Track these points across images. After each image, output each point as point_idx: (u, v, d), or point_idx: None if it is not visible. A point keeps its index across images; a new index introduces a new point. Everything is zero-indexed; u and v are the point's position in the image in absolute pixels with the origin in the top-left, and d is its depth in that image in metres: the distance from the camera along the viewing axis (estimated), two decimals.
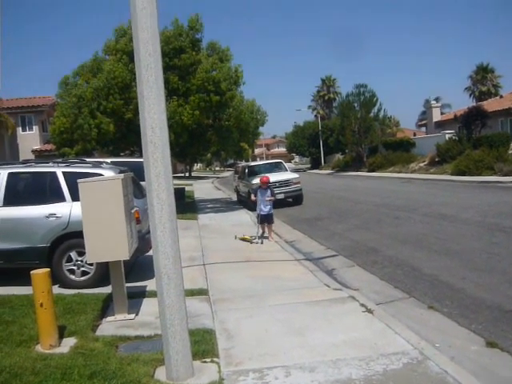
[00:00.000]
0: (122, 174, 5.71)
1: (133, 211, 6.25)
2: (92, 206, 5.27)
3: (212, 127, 17.71)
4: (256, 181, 18.28)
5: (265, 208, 11.06)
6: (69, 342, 4.91)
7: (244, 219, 15.29)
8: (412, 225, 11.62)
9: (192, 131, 16.54)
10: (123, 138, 16.80)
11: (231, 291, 6.84)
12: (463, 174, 24.59)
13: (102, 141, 16.14)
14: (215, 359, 4.47)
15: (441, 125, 37.81)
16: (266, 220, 11.11)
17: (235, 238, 11.26)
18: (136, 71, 3.95)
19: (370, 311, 5.50)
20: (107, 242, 5.34)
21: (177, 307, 3.98)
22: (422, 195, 18.08)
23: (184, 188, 24.22)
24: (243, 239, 11.04)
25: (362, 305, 5.74)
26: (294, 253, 9.53)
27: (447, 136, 31.18)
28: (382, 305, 5.93)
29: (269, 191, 11.17)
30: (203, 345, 4.71)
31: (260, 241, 10.71)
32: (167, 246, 3.89)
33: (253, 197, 11.83)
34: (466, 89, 56.30)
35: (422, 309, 5.84)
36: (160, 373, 4.17)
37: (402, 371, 4.00)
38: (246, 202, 19.13)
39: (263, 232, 11.24)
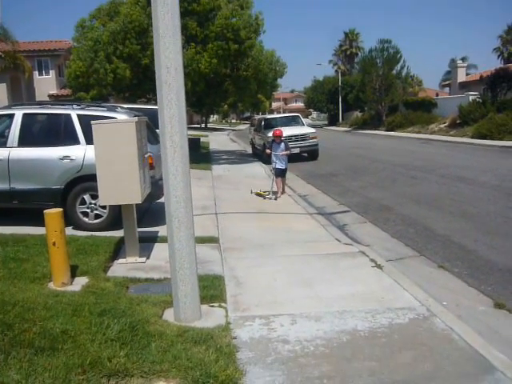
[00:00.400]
0: (136, 117, 5.64)
1: (146, 156, 6.21)
2: (105, 149, 5.23)
3: (230, 77, 17.40)
4: (272, 133, 18.13)
5: (280, 162, 10.68)
6: (80, 281, 5.00)
7: (258, 172, 15.25)
8: (428, 185, 11.46)
9: (209, 80, 16.30)
10: (139, 85, 16.62)
11: (242, 240, 6.88)
12: (484, 137, 24.00)
13: (118, 86, 16.01)
14: (223, 304, 4.53)
15: (465, 86, 36.61)
16: (280, 174, 10.72)
17: (251, 192, 10.99)
18: (152, 8, 3.80)
19: (379, 267, 5.50)
20: (120, 185, 5.34)
21: (187, 251, 4.00)
22: (440, 156, 17.76)
23: (199, 138, 24.13)
24: (258, 194, 10.77)
25: (372, 260, 5.73)
26: (306, 207, 9.50)
27: (471, 98, 30.25)
28: (391, 261, 5.92)
29: (283, 145, 10.79)
30: (212, 290, 4.77)
31: (274, 196, 10.39)
32: (179, 189, 3.86)
33: (268, 150, 11.38)
34: (494, 49, 54.29)
35: (431, 267, 5.82)
36: (168, 314, 4.24)
37: (407, 326, 4.02)
38: (261, 154, 19.02)
39: (279, 187, 10.76)
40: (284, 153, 10.72)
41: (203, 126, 53.54)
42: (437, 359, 3.47)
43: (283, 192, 10.82)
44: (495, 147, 20.76)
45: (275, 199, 10.31)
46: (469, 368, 3.34)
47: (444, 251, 6.38)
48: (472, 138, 25.17)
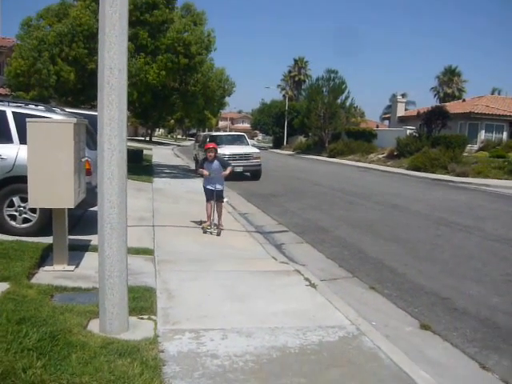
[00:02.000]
0: (75, 119, 5.43)
1: (83, 160, 5.98)
2: (39, 148, 4.98)
3: (177, 91, 17.32)
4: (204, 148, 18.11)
5: (218, 183, 8.53)
6: (0, 287, 4.67)
7: (199, 187, 14.88)
8: (364, 211, 11.82)
9: (157, 92, 16.12)
10: (84, 90, 16.14)
11: (178, 254, 6.74)
12: (418, 169, 25.27)
13: (61, 90, 15.47)
14: (153, 317, 4.37)
15: (404, 120, 38.56)
16: (216, 197, 8.50)
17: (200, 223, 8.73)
18: (100, 6, 3.70)
19: (313, 285, 5.54)
20: (52, 188, 5.08)
21: (117, 258, 3.84)
22: (377, 184, 18.44)
23: (142, 150, 23.69)
24: (203, 226, 8.48)
25: (306, 279, 5.77)
26: (245, 225, 9.49)
27: (408, 131, 31.88)
28: (325, 281, 5.98)
29: (216, 163, 8.48)
30: (142, 302, 4.60)
31: (216, 231, 8.31)
32: (113, 194, 3.72)
33: (204, 171, 8.48)
34: (431, 88, 57.80)
35: (363, 288, 5.95)
36: (93, 325, 4.03)
37: (337, 343, 4.05)
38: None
39: (220, 214, 8.64)
40: (226, 172, 8.49)
41: (148, 139, 52.73)
42: (364, 377, 3.51)
43: (221, 224, 8.56)
44: (428, 179, 21.87)
45: (218, 234, 8.20)
46: None
47: (376, 273, 6.55)
48: (407, 169, 26.41)
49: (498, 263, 7.42)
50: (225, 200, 9.38)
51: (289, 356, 3.77)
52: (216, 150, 8.66)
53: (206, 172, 8.42)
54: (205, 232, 8.27)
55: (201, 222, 8.70)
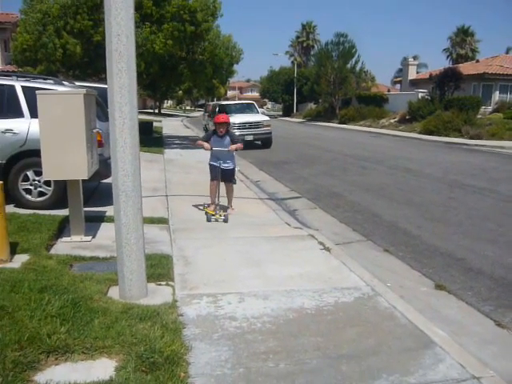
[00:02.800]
0: (85, 90, 5.41)
1: (95, 131, 5.99)
2: (51, 120, 4.99)
3: (185, 60, 17.10)
4: (214, 120, 18.00)
5: (226, 161, 7.30)
6: (21, 258, 4.77)
7: (206, 158, 15.09)
8: (377, 175, 11.75)
9: (164, 62, 15.94)
10: (90, 63, 16.01)
11: (192, 222, 6.79)
12: (431, 133, 24.92)
13: (68, 63, 15.36)
14: (170, 283, 4.46)
15: (415, 83, 37.79)
16: (224, 177, 7.36)
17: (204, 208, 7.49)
18: None
19: (327, 249, 5.57)
20: (65, 160, 5.11)
21: (133, 226, 3.89)
22: (389, 149, 18.27)
23: (152, 123, 23.63)
24: (206, 211, 7.16)
25: (321, 243, 5.81)
26: (258, 192, 9.51)
27: (420, 95, 31.28)
28: (339, 245, 6.02)
29: (228, 139, 7.23)
30: (159, 268, 4.68)
31: (222, 217, 6.92)
32: (127, 162, 3.74)
33: (205, 144, 7.20)
34: (444, 50, 56.32)
35: (377, 251, 5.97)
36: (113, 292, 4.13)
37: (352, 304, 4.10)
38: None
39: (230, 197, 7.65)
40: (235, 146, 7.16)
41: (157, 111, 52.50)
42: (380, 335, 3.56)
43: (231, 209, 7.58)
44: (441, 143, 21.59)
45: (225, 221, 6.86)
46: (410, 343, 3.44)
47: (390, 236, 6.56)
48: (420, 133, 26.06)
49: None
50: (236, 169, 7.99)
51: (305, 317, 3.83)
52: (228, 125, 7.29)
53: (206, 145, 7.12)
54: (209, 220, 6.78)
55: (204, 206, 7.48)
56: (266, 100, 72.94)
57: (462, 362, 3.20)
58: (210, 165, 7.38)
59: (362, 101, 37.73)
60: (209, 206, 7.32)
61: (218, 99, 55.36)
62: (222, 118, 7.23)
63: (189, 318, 3.75)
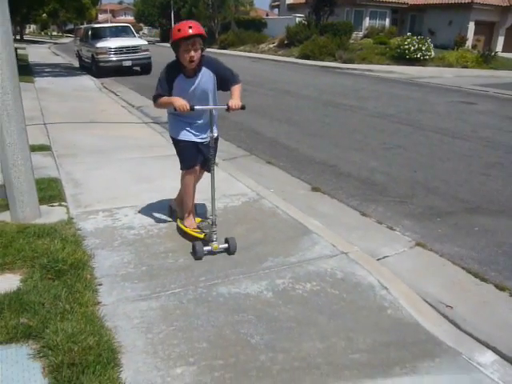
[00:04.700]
0: None
1: None
2: None
3: None
4: (101, 44, 16.92)
5: (206, 130, 3.73)
6: None
7: (87, 84, 14.36)
8: (258, 97, 12.19)
9: None
10: None
11: (76, 148, 6.67)
12: (308, 57, 25.87)
13: None
14: (63, 203, 4.50)
15: (293, 8, 38.27)
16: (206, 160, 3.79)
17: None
18: None
19: (215, 164, 5.90)
20: None
21: (19, 146, 3.83)
22: (269, 73, 18.76)
23: (16, 49, 21.37)
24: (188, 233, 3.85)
25: None
26: (142, 117, 9.43)
27: (297, 19, 31.89)
28: (226, 160, 6.38)
29: (208, 75, 3.58)
30: (49, 191, 4.66)
31: (224, 245, 3.61)
32: (5, 80, 3.60)
33: (179, 101, 3.35)
34: None
35: (261, 164, 6.47)
36: (4, 216, 4.08)
37: (240, 207, 4.55)
38: (89, 67, 17.81)
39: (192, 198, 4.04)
40: (234, 103, 3.50)
41: (18, 37, 47.13)
42: (265, 229, 4.05)
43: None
44: (317, 67, 22.63)
45: (231, 250, 3.63)
46: (291, 233, 3.99)
47: (271, 150, 7.09)
48: (298, 57, 26.92)
49: (376, 135, 8.33)
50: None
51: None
52: (203, 42, 3.45)
53: (181, 103, 3.34)
54: (198, 255, 3.48)
55: (171, 214, 4.25)
56: (142, 25, 68.71)
57: (333, 243, 3.82)
58: (184, 142, 3.73)
59: (241, 25, 37.49)
60: (185, 219, 3.92)
61: (89, 23, 51.06)
62: (186, 26, 3.29)
63: (87, 231, 3.91)
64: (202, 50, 3.43)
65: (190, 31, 3.27)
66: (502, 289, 3.51)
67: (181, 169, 3.87)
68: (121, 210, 4.35)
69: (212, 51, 34.69)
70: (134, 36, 19.12)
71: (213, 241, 3.55)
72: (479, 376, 2.54)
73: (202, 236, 3.73)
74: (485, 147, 7.92)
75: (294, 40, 29.58)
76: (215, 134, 3.71)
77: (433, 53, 24.92)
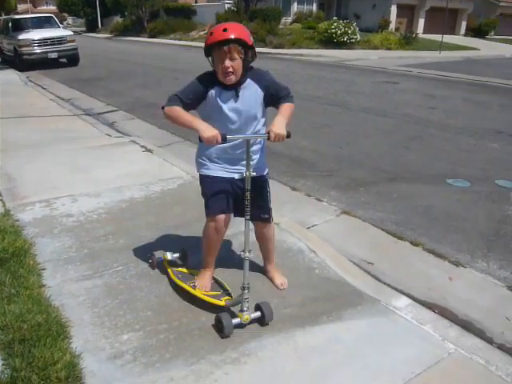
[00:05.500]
0: None
1: None
2: None
3: None
4: (24, 36, 16.24)
5: (255, 162, 2.80)
6: None
7: (12, 79, 13.80)
8: None
9: None
10: None
11: (7, 143, 6.53)
12: None
13: None
14: None
15: None
16: (252, 204, 2.69)
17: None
18: None
19: (149, 151, 6.05)
20: None
21: None
22: (200, 61, 18.52)
23: None
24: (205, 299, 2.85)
25: (143, 146, 6.24)
26: (72, 109, 9.30)
27: (226, 6, 31.90)
28: (161, 147, 6.52)
29: (254, 89, 2.71)
30: None
31: (254, 314, 2.72)
32: None
33: (210, 134, 2.43)
34: None
35: (195, 148, 6.59)
36: None
37: (176, 189, 4.74)
38: (12, 61, 17.06)
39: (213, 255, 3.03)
40: (277, 135, 2.56)
41: None
42: (201, 209, 4.22)
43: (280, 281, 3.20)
44: None
45: (265, 319, 2.75)
46: None
47: None
48: None
49: (307, 116, 8.71)
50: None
51: (136, 204, 4.35)
52: (243, 55, 2.60)
53: (215, 135, 2.44)
54: (223, 332, 2.61)
55: (188, 285, 2.99)
56: (66, 14, 65.72)
57: None
58: (207, 177, 2.88)
59: (171, 13, 36.96)
60: (198, 278, 3.01)
61: (8, 14, 48.30)
62: (221, 28, 2.57)
63: (25, 221, 3.96)
64: (246, 61, 2.61)
65: (225, 35, 2.51)
66: (416, 245, 3.96)
67: (206, 215, 2.91)
68: (58, 200, 4.41)
69: (142, 40, 34.10)
70: (58, 27, 18.45)
71: (243, 310, 2.67)
72: (395, 317, 2.93)
73: (221, 303, 2.80)
74: (406, 122, 8.53)
75: None
76: (254, 173, 2.63)
77: (358, 36, 25.86)
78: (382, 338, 2.70)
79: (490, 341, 2.82)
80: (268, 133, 2.57)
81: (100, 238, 3.68)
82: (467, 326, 2.95)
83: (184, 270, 3.16)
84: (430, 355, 2.58)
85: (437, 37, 26.68)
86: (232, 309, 2.82)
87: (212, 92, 2.66)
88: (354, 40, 25.52)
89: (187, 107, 2.64)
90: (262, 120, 2.83)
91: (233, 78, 2.60)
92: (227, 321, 2.63)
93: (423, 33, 31.91)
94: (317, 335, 2.70)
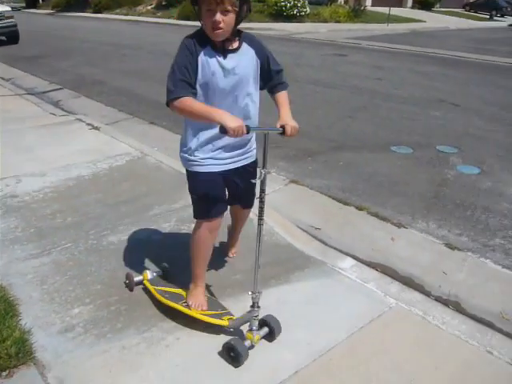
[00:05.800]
0: None
1: None
2: None
3: None
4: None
5: (243, 147, 2.46)
6: None
7: None
8: (137, 61, 12.02)
9: None
10: None
11: None
12: (188, 18, 25.45)
13: None
14: None
15: None
16: (245, 192, 2.68)
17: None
18: None
19: (96, 128, 5.93)
20: None
21: None
22: (148, 36, 18.34)
23: None
24: (211, 321, 2.45)
25: (89, 124, 6.10)
26: (14, 89, 8.91)
27: None
28: (108, 125, 6.39)
29: (250, 54, 2.31)
30: None
31: (262, 331, 2.40)
32: None
33: (235, 124, 1.98)
34: None
35: (144, 125, 6.57)
36: None
37: (125, 165, 4.70)
38: None
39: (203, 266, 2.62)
40: (293, 128, 2.27)
41: None
42: (151, 183, 4.27)
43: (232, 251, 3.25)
44: (198, 27, 22.39)
45: (274, 333, 2.45)
46: (176, 184, 4.23)
47: (153, 111, 7.15)
48: (177, 19, 26.38)
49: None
50: None
51: (84, 182, 4.29)
52: (237, 8, 2.14)
53: (241, 126, 2.00)
54: (236, 353, 2.24)
55: (181, 304, 2.58)
56: None
57: None
58: (202, 175, 2.38)
59: None
60: (189, 294, 2.60)
61: None
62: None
63: None
64: (240, 16, 2.16)
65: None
66: (361, 209, 4.11)
67: (194, 217, 2.50)
68: (1, 181, 4.28)
69: (86, 16, 32.76)
70: None
71: (252, 329, 2.35)
72: (340, 277, 3.07)
73: (225, 323, 2.44)
74: (352, 94, 8.71)
75: (172, 1, 28.86)
76: (252, 159, 2.57)
77: (308, 9, 25.86)
78: (327, 297, 2.84)
79: (428, 294, 3.01)
80: (283, 127, 2.23)
81: (47, 216, 3.63)
82: (407, 281, 3.13)
83: (169, 288, 2.68)
84: (372, 310, 2.74)
85: (385, 9, 27.08)
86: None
87: (203, 54, 2.20)
88: (303, 13, 25.50)
89: (194, 88, 2.18)
90: (257, 96, 2.39)
91: (221, 33, 2.13)
92: (241, 346, 2.25)
93: (372, 6, 32.28)
94: (265, 298, 2.79)
